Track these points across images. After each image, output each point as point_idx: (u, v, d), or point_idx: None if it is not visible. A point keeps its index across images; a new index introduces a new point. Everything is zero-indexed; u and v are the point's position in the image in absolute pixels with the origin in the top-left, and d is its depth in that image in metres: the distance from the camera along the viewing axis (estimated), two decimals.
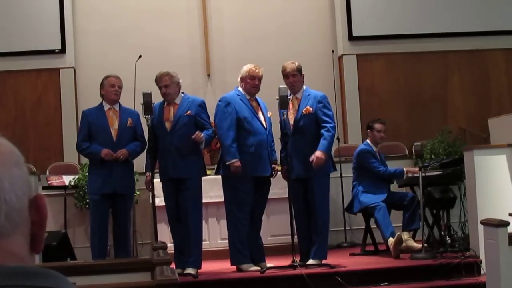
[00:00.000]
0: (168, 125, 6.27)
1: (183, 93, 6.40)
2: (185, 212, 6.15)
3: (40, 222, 1.06)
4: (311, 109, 6.37)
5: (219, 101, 6.41)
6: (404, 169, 7.17)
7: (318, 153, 6.15)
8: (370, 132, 7.37)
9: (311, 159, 6.13)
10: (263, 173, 6.28)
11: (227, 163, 6.14)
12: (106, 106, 6.52)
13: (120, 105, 6.59)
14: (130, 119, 6.52)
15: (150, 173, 6.28)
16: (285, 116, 6.20)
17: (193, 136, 6.09)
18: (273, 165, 6.39)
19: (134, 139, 6.51)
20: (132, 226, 7.68)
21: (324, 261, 6.27)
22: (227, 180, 6.27)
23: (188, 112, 6.25)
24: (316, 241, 6.29)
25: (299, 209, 6.31)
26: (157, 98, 6.35)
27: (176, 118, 6.25)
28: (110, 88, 6.48)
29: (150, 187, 6.25)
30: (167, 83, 6.26)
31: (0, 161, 1.02)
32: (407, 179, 7.17)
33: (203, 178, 6.44)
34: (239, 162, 6.10)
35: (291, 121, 6.39)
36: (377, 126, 7.33)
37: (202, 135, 6.13)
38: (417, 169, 7.08)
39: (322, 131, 6.26)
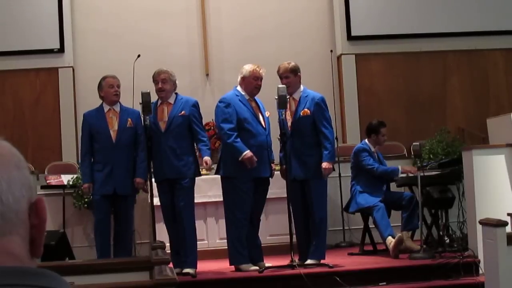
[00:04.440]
0: (162, 125, 6.25)
1: (176, 93, 6.39)
2: (179, 212, 6.15)
3: (39, 225, 1.06)
4: (308, 111, 6.35)
5: (219, 102, 6.37)
6: (399, 167, 7.17)
7: (324, 165, 6.20)
8: (374, 135, 7.30)
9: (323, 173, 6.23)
10: (263, 174, 6.28)
11: (239, 159, 6.08)
12: (106, 108, 6.50)
13: (120, 105, 6.57)
14: (129, 119, 6.50)
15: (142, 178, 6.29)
16: (283, 116, 6.19)
17: (202, 166, 6.24)
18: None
19: (134, 140, 6.49)
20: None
21: (322, 261, 6.27)
22: (227, 180, 6.26)
23: (182, 112, 6.23)
24: (314, 241, 6.30)
25: (297, 209, 6.31)
26: (155, 98, 6.34)
27: (171, 118, 6.24)
28: (110, 89, 6.47)
29: (147, 187, 6.26)
30: (164, 78, 6.25)
31: None
32: (405, 179, 7.16)
33: (200, 177, 6.46)
34: (250, 152, 6.08)
35: (289, 123, 6.37)
36: (383, 130, 7.31)
37: (209, 161, 6.18)
38: (413, 168, 7.10)
39: (322, 140, 6.26)
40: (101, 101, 6.57)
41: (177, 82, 6.39)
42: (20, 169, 1.05)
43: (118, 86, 6.52)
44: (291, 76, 6.39)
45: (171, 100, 6.31)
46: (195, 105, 6.33)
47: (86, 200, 7.43)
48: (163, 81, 6.26)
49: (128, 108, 6.67)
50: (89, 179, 6.39)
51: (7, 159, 1.04)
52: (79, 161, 6.72)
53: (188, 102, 6.31)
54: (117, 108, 6.52)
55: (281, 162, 6.44)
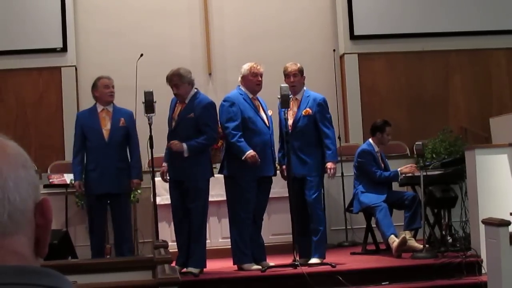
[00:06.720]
0: (173, 124, 6.26)
1: (196, 89, 6.29)
2: (187, 213, 6.13)
3: (45, 225, 1.06)
4: (310, 111, 6.39)
5: (224, 101, 6.39)
6: (399, 171, 7.17)
7: (329, 165, 6.28)
8: (379, 134, 7.30)
9: (327, 174, 6.31)
10: (267, 173, 6.29)
11: (243, 158, 6.10)
12: (100, 108, 6.56)
13: (114, 105, 6.59)
14: (122, 119, 6.52)
15: (166, 164, 6.27)
16: (286, 115, 6.21)
17: (168, 144, 6.13)
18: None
19: (126, 139, 6.50)
20: (133, 225, 7.69)
21: (325, 260, 6.28)
22: (230, 180, 6.27)
23: (191, 114, 6.16)
24: (314, 240, 6.31)
25: (296, 208, 6.31)
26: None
27: (180, 118, 6.21)
28: (105, 90, 6.51)
29: (165, 177, 6.25)
30: (176, 83, 6.19)
31: (6, 162, 1.02)
32: (407, 179, 7.16)
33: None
34: (253, 151, 6.09)
35: (290, 122, 6.39)
36: (388, 129, 7.31)
37: (182, 144, 6.06)
38: (412, 169, 7.11)
39: (324, 139, 6.32)
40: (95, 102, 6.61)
41: (193, 78, 6.29)
42: (27, 169, 1.06)
43: (113, 87, 6.56)
44: (298, 75, 6.47)
45: (187, 100, 6.26)
46: (207, 106, 6.18)
47: None
48: (175, 86, 6.20)
49: (121, 108, 6.69)
50: (79, 177, 6.49)
51: (14, 159, 1.04)
52: (72, 161, 6.76)
53: (200, 103, 6.20)
54: (110, 108, 6.56)
55: (280, 162, 6.47)
